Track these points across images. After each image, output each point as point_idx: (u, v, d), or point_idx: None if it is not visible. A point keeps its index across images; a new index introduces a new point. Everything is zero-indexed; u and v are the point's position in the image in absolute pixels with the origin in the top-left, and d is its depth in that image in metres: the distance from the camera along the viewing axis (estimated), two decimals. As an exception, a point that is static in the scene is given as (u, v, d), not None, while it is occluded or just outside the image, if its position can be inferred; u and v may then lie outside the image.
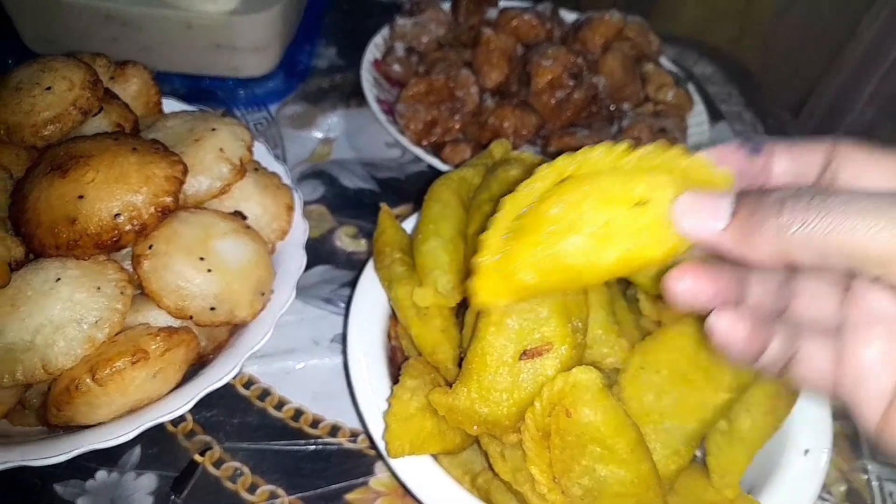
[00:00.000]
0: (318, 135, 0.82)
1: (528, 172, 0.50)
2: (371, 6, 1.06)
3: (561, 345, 0.41)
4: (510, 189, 0.49)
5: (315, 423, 0.56)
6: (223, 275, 0.47)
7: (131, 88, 0.59)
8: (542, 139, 0.77)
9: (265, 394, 0.57)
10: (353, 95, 0.87)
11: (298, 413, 0.56)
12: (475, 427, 0.41)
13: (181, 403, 0.43)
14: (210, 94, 0.83)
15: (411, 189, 0.78)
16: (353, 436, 0.55)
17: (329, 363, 0.60)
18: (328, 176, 0.77)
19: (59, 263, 0.44)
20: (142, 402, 0.43)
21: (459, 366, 0.47)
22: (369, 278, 0.53)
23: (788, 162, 0.33)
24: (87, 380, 0.40)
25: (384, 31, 0.89)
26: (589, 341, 0.45)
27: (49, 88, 0.49)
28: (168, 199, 0.45)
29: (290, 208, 0.56)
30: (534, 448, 0.40)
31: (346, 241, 0.70)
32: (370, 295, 0.53)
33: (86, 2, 0.75)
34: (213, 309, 0.46)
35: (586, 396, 0.38)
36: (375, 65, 0.85)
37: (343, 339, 0.53)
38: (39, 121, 0.49)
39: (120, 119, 0.53)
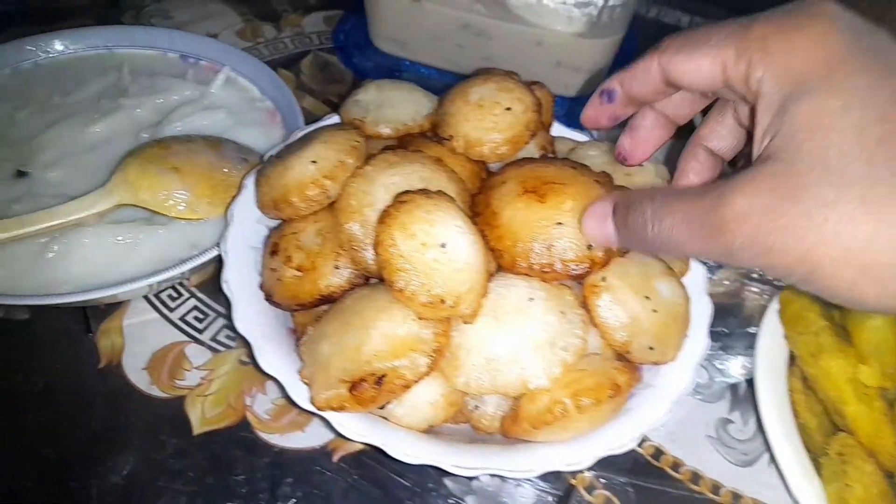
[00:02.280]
0: (639, 163, 0.81)
1: None
2: (674, 32, 1.05)
3: None
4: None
5: (676, 465, 0.56)
6: (662, 315, 0.47)
7: (535, 109, 0.61)
8: None
9: (625, 426, 0.57)
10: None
11: (658, 452, 0.56)
12: None
13: (626, 438, 0.44)
14: (535, 107, 0.85)
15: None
16: (716, 488, 0.55)
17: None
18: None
19: (526, 283, 0.46)
20: (590, 430, 0.45)
21: None
22: (770, 334, 0.53)
23: (639, 88, 0.43)
24: (570, 405, 0.42)
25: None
26: None
27: (509, 109, 0.52)
28: (631, 237, 0.46)
29: (687, 250, 0.56)
30: None
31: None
32: (771, 350, 0.52)
33: (450, 11, 0.79)
34: (651, 349, 0.47)
35: None
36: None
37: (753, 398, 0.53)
38: (499, 139, 0.51)
39: (545, 143, 0.56)
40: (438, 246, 0.42)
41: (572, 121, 0.85)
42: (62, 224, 0.55)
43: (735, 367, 0.62)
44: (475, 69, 0.85)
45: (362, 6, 0.87)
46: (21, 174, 0.60)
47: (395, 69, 0.87)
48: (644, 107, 0.46)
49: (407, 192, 0.44)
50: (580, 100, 0.87)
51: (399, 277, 0.41)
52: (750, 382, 0.60)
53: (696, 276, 0.55)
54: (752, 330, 0.62)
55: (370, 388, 0.41)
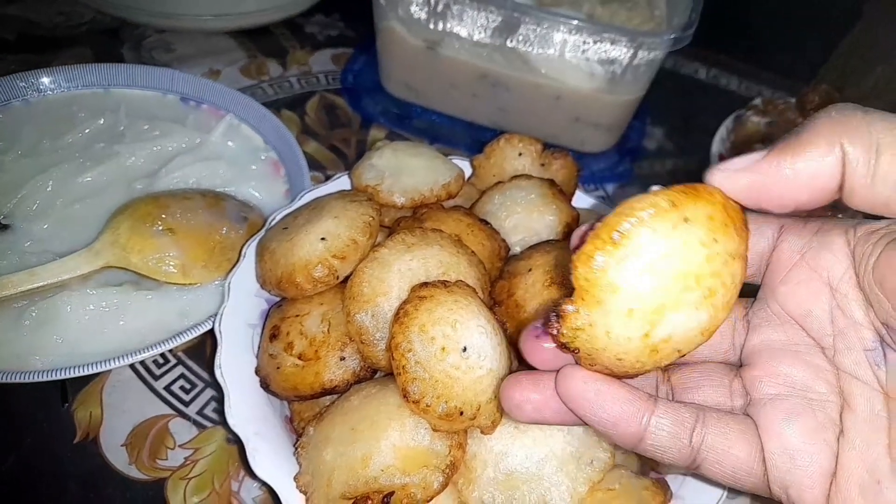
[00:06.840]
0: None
1: None
2: (692, 85, 1.03)
3: None
4: None
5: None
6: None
7: (557, 176, 0.57)
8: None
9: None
10: (691, 188, 0.82)
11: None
12: None
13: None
14: (550, 162, 0.82)
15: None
16: None
17: None
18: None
19: (550, 385, 0.42)
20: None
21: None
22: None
23: None
24: (599, 532, 0.38)
25: (728, 123, 0.85)
26: None
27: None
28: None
29: None
30: None
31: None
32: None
33: (467, 60, 0.76)
34: (682, 461, 0.43)
35: None
36: (720, 159, 0.81)
37: None
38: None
39: (568, 219, 0.52)
40: (459, 351, 0.38)
41: (587, 178, 0.82)
42: (43, 287, 0.50)
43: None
44: (490, 120, 0.82)
45: (372, 44, 0.84)
46: (2, 227, 0.55)
47: (404, 115, 0.84)
48: None
49: (425, 284, 0.40)
50: (596, 157, 0.84)
51: (414, 386, 0.36)
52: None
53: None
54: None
55: (376, 508, 0.37)
